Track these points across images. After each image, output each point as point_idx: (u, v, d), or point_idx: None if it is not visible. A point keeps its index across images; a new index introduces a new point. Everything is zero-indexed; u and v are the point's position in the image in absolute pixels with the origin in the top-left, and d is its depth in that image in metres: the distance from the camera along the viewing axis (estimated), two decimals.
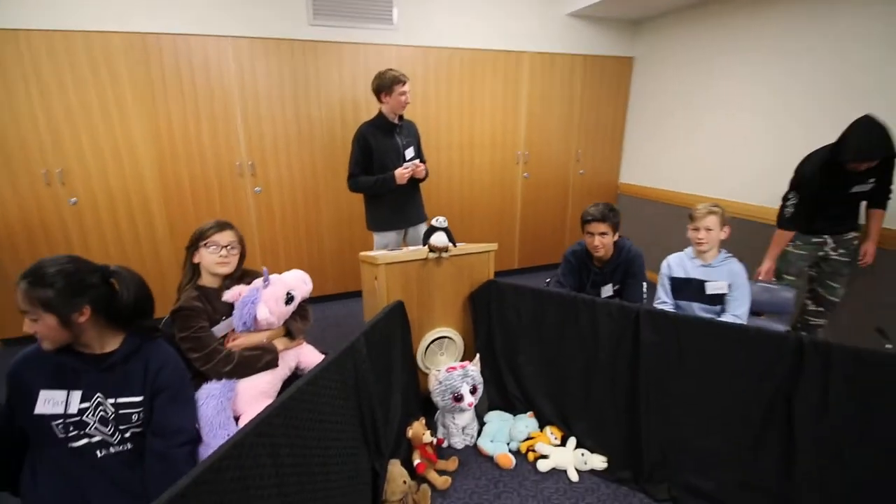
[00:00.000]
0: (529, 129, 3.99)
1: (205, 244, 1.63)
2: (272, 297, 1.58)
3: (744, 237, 2.99)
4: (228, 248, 1.66)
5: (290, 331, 1.68)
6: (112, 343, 1.27)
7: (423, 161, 2.72)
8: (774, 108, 3.08)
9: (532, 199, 4.17)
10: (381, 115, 2.63)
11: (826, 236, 2.31)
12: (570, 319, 1.99)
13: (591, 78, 4.07)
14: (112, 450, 1.26)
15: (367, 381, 1.60)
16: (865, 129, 2.05)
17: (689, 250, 2.21)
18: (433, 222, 2.11)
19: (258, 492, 1.09)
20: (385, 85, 2.51)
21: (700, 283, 2.12)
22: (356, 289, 3.51)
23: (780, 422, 1.61)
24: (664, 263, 2.24)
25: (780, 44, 3.00)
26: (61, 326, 1.14)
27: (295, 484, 1.23)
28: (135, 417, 1.26)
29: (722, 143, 3.50)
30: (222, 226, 1.66)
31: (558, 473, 1.92)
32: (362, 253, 2.40)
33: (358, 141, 2.59)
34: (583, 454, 1.94)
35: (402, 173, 2.53)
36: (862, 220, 2.35)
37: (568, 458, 1.94)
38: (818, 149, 2.23)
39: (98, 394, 1.23)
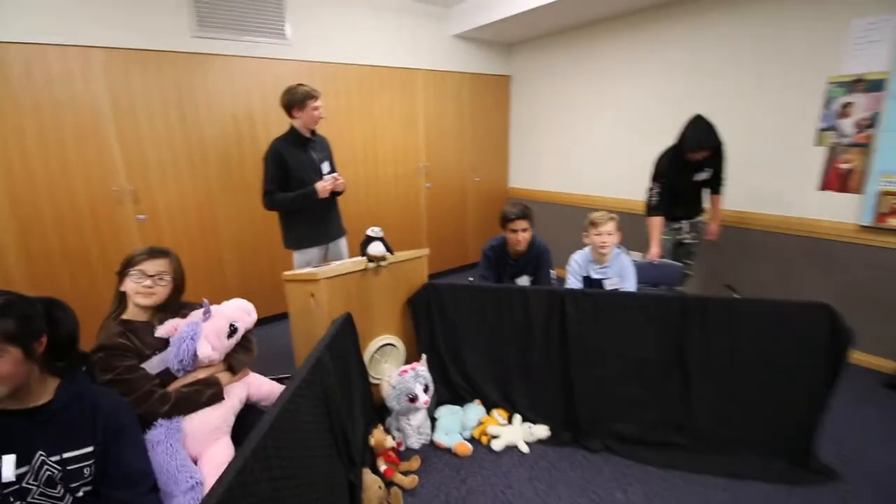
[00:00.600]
0: (428, 142, 4.21)
1: (129, 272, 1.48)
2: (213, 331, 1.47)
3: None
4: (156, 277, 1.52)
5: (231, 365, 1.58)
6: (44, 391, 1.11)
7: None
8: (630, 115, 3.77)
9: (435, 207, 4.39)
10: (293, 130, 2.59)
11: (683, 221, 2.90)
12: (505, 309, 2.21)
13: (477, 94, 4.46)
14: None
15: (336, 395, 1.60)
16: (697, 125, 2.60)
17: (587, 253, 2.54)
18: (369, 232, 2.16)
19: None
20: (297, 100, 2.49)
21: (599, 283, 2.49)
22: (268, 313, 3.33)
23: (677, 363, 2.02)
24: (572, 260, 2.57)
25: (631, 62, 3.68)
26: (25, 360, 1.01)
27: (290, 500, 1.21)
28: (86, 472, 1.12)
29: (589, 147, 4.14)
30: (154, 253, 1.52)
31: (511, 449, 2.11)
32: (287, 273, 2.34)
33: (272, 157, 2.50)
34: (529, 427, 2.16)
35: (324, 186, 2.51)
36: (707, 206, 3.00)
37: (517, 433, 2.14)
38: (669, 146, 2.81)
39: (39, 452, 1.07)
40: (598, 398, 2.12)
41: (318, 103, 2.53)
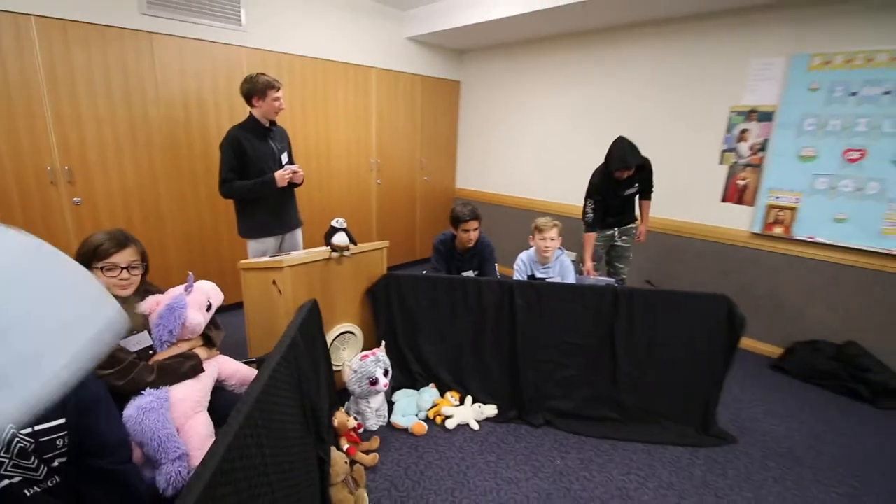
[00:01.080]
0: (380, 139, 4.30)
1: (100, 266, 1.46)
2: (196, 304, 1.53)
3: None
4: (129, 268, 1.52)
5: (209, 339, 1.63)
6: None
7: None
8: (569, 127, 4.12)
9: (385, 204, 4.49)
10: (252, 118, 2.58)
11: (615, 228, 3.20)
12: (460, 298, 2.40)
13: (429, 96, 4.63)
14: (39, 487, 1.10)
15: (307, 375, 1.69)
16: (620, 147, 2.84)
17: (532, 253, 2.78)
18: (333, 223, 2.25)
19: (258, 489, 1.13)
20: (258, 89, 2.48)
21: (542, 281, 2.75)
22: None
23: (607, 346, 2.31)
24: (519, 260, 2.80)
25: (572, 78, 4.04)
26: None
27: (277, 474, 1.29)
28: (59, 443, 1.13)
29: (532, 153, 4.46)
30: (121, 243, 1.50)
31: (463, 427, 2.29)
32: (245, 261, 2.36)
33: (231, 146, 2.48)
34: (479, 407, 2.36)
35: (282, 175, 2.52)
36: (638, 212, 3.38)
37: (468, 413, 2.33)
38: (601, 164, 3.07)
39: (10, 425, 1.06)
40: (540, 379, 2.37)
41: (278, 94, 2.54)
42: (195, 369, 1.48)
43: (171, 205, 3.17)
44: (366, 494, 1.80)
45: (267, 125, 2.62)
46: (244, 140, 2.50)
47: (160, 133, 3.04)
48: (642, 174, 3.06)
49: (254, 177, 2.54)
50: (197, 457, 1.37)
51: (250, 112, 2.60)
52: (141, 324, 1.47)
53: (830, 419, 2.51)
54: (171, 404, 1.39)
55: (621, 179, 2.93)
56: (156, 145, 3.03)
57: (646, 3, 3.05)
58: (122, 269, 1.47)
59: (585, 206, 3.06)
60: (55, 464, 1.12)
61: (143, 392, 1.35)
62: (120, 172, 2.92)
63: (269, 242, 2.72)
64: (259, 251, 2.69)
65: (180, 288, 1.53)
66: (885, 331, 2.80)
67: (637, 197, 3.20)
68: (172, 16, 2.95)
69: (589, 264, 3.04)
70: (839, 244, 2.89)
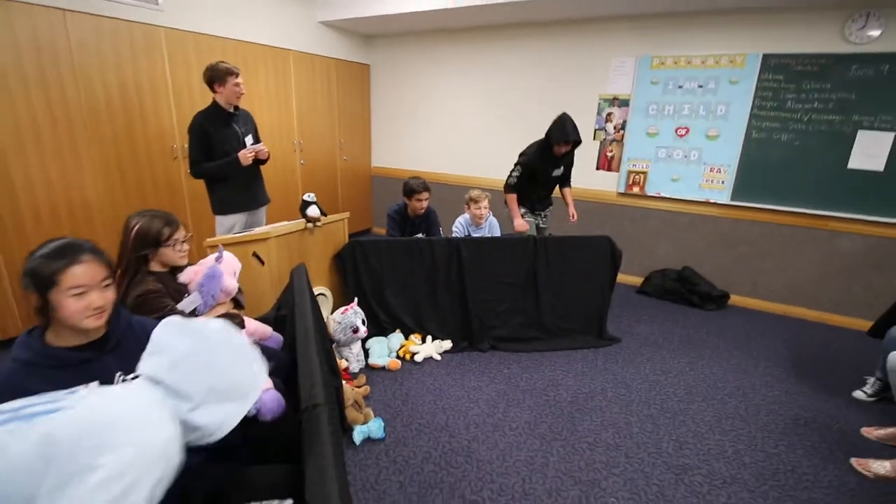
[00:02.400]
0: (300, 121, 4.45)
1: (169, 245, 1.65)
2: (229, 270, 1.79)
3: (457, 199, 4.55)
4: (186, 241, 1.73)
5: (237, 301, 1.89)
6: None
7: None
8: (471, 107, 4.73)
9: (309, 184, 4.67)
10: (215, 104, 2.68)
11: (539, 212, 3.56)
12: (417, 257, 2.88)
13: (343, 78, 4.85)
14: None
15: (321, 320, 2.05)
16: (562, 121, 2.97)
17: (467, 218, 3.28)
18: (305, 197, 2.55)
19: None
20: (218, 76, 2.60)
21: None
22: None
23: (532, 282, 3.01)
24: (457, 223, 3.30)
25: (471, 64, 4.63)
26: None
27: (328, 395, 1.68)
28: None
29: (444, 131, 5.00)
30: (175, 222, 1.69)
31: (428, 359, 2.82)
32: (222, 237, 2.54)
33: (196, 131, 2.58)
34: (439, 342, 2.90)
35: (245, 154, 2.68)
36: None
37: (430, 348, 2.86)
38: (537, 141, 3.17)
39: (118, 373, 1.28)
40: (483, 314, 2.98)
41: (238, 80, 2.67)
42: (241, 325, 1.75)
43: (100, 196, 3.05)
44: (370, 411, 2.24)
45: (231, 110, 2.73)
46: (208, 125, 2.62)
47: (82, 117, 2.90)
48: (569, 157, 3.28)
49: (220, 158, 2.67)
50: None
51: (213, 98, 2.69)
52: (183, 289, 1.69)
53: (676, 320, 3.58)
54: None
55: (559, 154, 3.11)
56: (77, 132, 2.89)
57: (528, 8, 3.70)
58: (182, 242, 1.68)
59: (512, 172, 3.19)
60: None
61: None
62: (40, 160, 2.76)
63: (238, 218, 2.86)
64: (227, 227, 2.82)
65: (212, 258, 1.76)
66: (707, 257, 3.98)
67: (559, 185, 3.48)
68: None
69: (518, 220, 3.19)
70: (676, 197, 3.98)
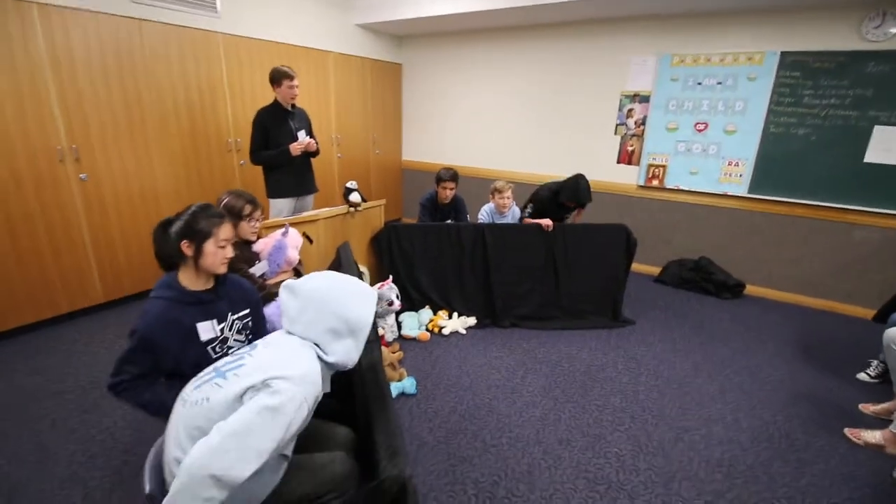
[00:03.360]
0: (338, 117, 4.80)
1: (246, 220, 1.98)
2: (293, 244, 2.12)
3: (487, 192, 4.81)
4: (258, 219, 2.06)
5: (299, 272, 2.22)
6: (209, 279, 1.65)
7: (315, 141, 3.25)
8: (497, 105, 4.98)
9: (346, 176, 4.99)
10: (275, 102, 3.06)
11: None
12: (445, 240, 3.17)
13: (377, 77, 5.18)
14: None
15: None
16: (577, 183, 3.22)
17: (492, 206, 3.49)
18: (348, 185, 2.87)
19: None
20: (276, 78, 2.96)
21: None
22: None
23: (551, 266, 3.25)
24: (482, 211, 3.54)
25: (499, 63, 4.87)
26: None
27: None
28: (249, 325, 1.72)
29: (471, 126, 5.26)
30: (254, 201, 2.02)
31: (454, 333, 3.10)
32: (271, 220, 2.87)
33: (257, 124, 2.99)
34: (464, 318, 3.18)
35: (295, 147, 3.04)
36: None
37: (457, 323, 3.14)
38: (550, 182, 3.44)
39: (229, 313, 1.63)
40: (506, 293, 3.25)
41: (292, 83, 3.01)
42: None
43: (166, 184, 3.46)
44: (405, 371, 2.54)
45: (288, 108, 3.10)
46: (266, 120, 3.00)
47: (153, 116, 3.31)
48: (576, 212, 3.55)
49: (275, 149, 3.04)
50: None
51: (275, 97, 3.06)
52: (253, 256, 2.03)
53: (691, 307, 3.75)
54: None
55: (568, 206, 3.39)
56: (149, 129, 3.30)
57: (551, 9, 3.91)
58: (256, 220, 2.02)
59: (526, 206, 3.48)
60: (249, 337, 1.70)
61: (268, 304, 1.94)
62: (119, 152, 3.17)
63: (286, 203, 3.22)
64: (278, 210, 3.19)
65: (279, 233, 2.10)
66: (723, 247, 4.12)
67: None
68: (158, 3, 3.21)
69: (546, 221, 3.28)
70: (694, 190, 4.14)
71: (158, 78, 3.30)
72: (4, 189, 2.70)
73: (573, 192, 3.23)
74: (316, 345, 1.25)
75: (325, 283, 1.30)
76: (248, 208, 1.97)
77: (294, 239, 2.14)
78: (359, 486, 1.16)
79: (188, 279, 1.46)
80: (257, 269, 2.01)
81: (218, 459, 0.94)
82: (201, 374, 1.23)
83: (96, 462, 1.92)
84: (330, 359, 1.24)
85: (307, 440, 1.39)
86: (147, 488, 1.18)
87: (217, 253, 1.46)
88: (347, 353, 1.26)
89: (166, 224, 1.51)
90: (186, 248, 1.43)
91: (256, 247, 2.03)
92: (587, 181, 3.27)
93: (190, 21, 3.42)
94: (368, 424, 1.17)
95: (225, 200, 1.94)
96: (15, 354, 2.71)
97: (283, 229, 2.12)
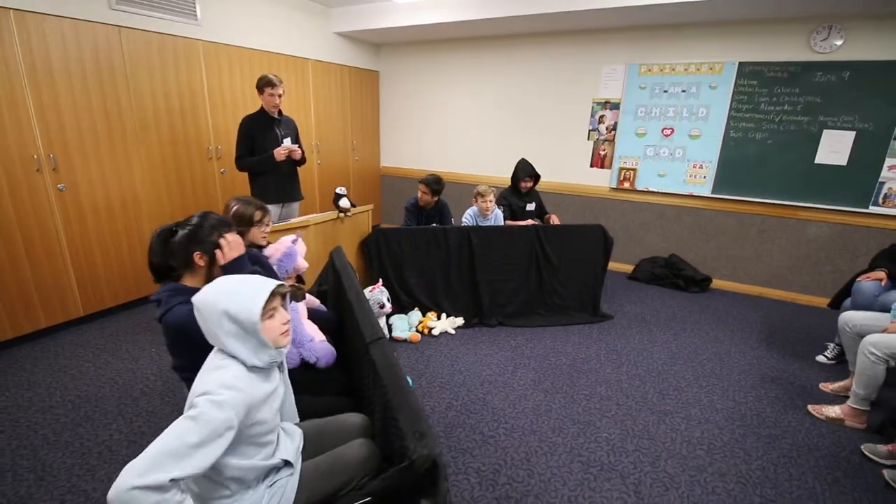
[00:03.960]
0: (318, 124, 4.82)
1: (257, 226, 2.02)
2: (301, 252, 2.16)
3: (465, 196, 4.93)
4: (267, 224, 2.10)
5: (301, 278, 2.26)
6: None
7: (301, 149, 3.26)
8: (472, 112, 5.12)
9: (327, 183, 5.04)
10: (261, 109, 3.07)
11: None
12: (433, 243, 3.26)
13: (354, 84, 5.23)
14: None
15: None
16: (522, 163, 3.64)
17: (475, 210, 3.60)
18: (338, 190, 2.92)
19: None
20: (260, 86, 2.98)
21: None
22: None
23: (534, 265, 3.39)
24: (466, 214, 3.65)
25: (474, 72, 5.01)
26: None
27: None
28: None
29: (448, 133, 5.38)
30: (263, 208, 2.06)
31: (444, 333, 3.19)
32: (272, 225, 2.89)
33: (242, 131, 2.99)
34: (453, 319, 3.27)
35: (279, 152, 3.05)
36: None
37: (445, 324, 3.23)
38: (507, 186, 3.78)
39: None
40: (491, 293, 3.36)
41: (274, 90, 3.03)
42: (304, 295, 2.12)
43: (147, 192, 3.42)
44: None
45: (275, 115, 3.11)
46: (252, 126, 3.01)
47: (133, 123, 3.26)
48: (536, 194, 3.85)
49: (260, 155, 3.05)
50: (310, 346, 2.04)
51: (261, 104, 3.07)
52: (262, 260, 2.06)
53: (663, 301, 3.97)
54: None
55: (525, 190, 3.72)
56: (129, 136, 3.25)
57: (526, 21, 4.08)
58: (266, 225, 2.05)
59: (498, 204, 3.73)
60: None
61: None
62: (98, 160, 3.11)
63: (272, 210, 3.22)
64: None
65: (289, 240, 2.13)
66: (690, 244, 4.38)
67: (539, 218, 3.89)
68: (138, 10, 3.18)
69: (529, 221, 3.69)
70: (662, 191, 4.38)
71: (138, 85, 3.26)
72: None
73: (522, 170, 3.61)
74: (232, 355, 1.15)
75: (211, 290, 1.17)
76: (258, 214, 2.02)
77: (302, 247, 2.18)
78: (386, 469, 1.22)
79: (192, 282, 1.51)
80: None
81: (134, 470, 0.90)
82: None
83: (97, 474, 1.90)
84: (248, 362, 1.15)
85: (324, 438, 1.45)
86: None
87: (222, 261, 1.52)
88: (254, 351, 1.15)
89: (167, 234, 1.53)
90: (199, 258, 1.48)
91: (268, 251, 2.07)
92: (525, 159, 3.69)
93: (170, 28, 3.39)
94: (393, 415, 1.24)
95: (235, 208, 1.98)
96: (4, 371, 2.63)
97: (293, 236, 2.16)
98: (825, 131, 3.67)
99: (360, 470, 1.31)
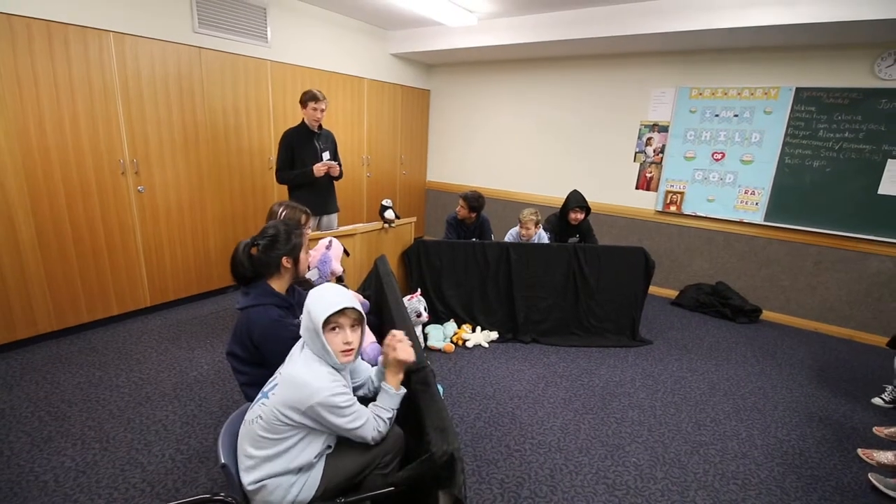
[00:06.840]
0: (369, 139, 5.08)
1: (301, 230, 2.20)
2: (336, 256, 2.32)
3: (508, 213, 5.00)
4: (310, 229, 2.28)
5: (340, 278, 2.42)
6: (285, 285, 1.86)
7: (339, 164, 3.47)
8: (519, 132, 5.21)
9: (374, 193, 5.27)
10: (302, 123, 3.27)
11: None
12: (471, 257, 3.35)
13: (406, 102, 5.47)
14: None
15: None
16: (574, 194, 3.55)
17: (517, 230, 3.64)
18: (384, 202, 3.09)
19: None
20: (303, 100, 3.18)
21: None
22: None
23: (571, 285, 3.40)
24: (510, 233, 3.72)
25: (520, 94, 5.12)
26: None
27: None
28: None
29: (494, 150, 5.50)
30: (308, 213, 2.25)
31: (477, 346, 3.25)
32: (316, 232, 3.09)
33: (283, 143, 3.19)
34: (487, 332, 3.33)
35: (318, 167, 3.20)
36: None
37: (480, 337, 3.29)
38: (557, 212, 3.73)
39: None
40: (527, 310, 3.39)
41: (316, 105, 3.18)
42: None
43: (213, 197, 3.73)
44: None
45: (315, 129, 3.31)
46: (293, 139, 3.20)
47: (205, 136, 3.60)
48: (584, 225, 3.68)
49: (300, 168, 3.25)
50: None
51: (303, 118, 3.29)
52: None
53: (707, 329, 3.84)
54: None
55: (574, 222, 3.58)
56: (201, 146, 3.59)
57: (575, 45, 4.16)
58: (309, 228, 2.24)
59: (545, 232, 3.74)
60: None
61: None
62: (174, 168, 3.45)
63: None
64: None
65: (323, 245, 2.30)
66: (740, 273, 4.22)
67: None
68: (217, 33, 3.53)
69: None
70: (711, 216, 4.27)
71: (212, 101, 3.60)
72: (73, 196, 2.98)
73: (574, 200, 3.52)
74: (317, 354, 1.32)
75: (317, 289, 1.38)
76: (304, 218, 2.20)
77: (336, 250, 2.34)
78: (410, 461, 1.31)
79: (280, 288, 1.69)
80: (311, 275, 2.21)
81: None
82: (258, 395, 1.39)
83: (152, 449, 2.10)
84: (330, 361, 1.31)
85: None
86: (222, 459, 1.36)
87: (305, 259, 1.74)
88: (320, 353, 1.31)
89: (250, 245, 1.67)
90: (287, 262, 1.66)
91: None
92: (578, 191, 3.57)
93: (243, 49, 3.73)
94: (419, 415, 1.33)
95: (284, 213, 2.16)
96: (80, 351, 2.95)
97: (326, 241, 2.32)
98: (889, 160, 3.47)
99: (388, 449, 1.40)
